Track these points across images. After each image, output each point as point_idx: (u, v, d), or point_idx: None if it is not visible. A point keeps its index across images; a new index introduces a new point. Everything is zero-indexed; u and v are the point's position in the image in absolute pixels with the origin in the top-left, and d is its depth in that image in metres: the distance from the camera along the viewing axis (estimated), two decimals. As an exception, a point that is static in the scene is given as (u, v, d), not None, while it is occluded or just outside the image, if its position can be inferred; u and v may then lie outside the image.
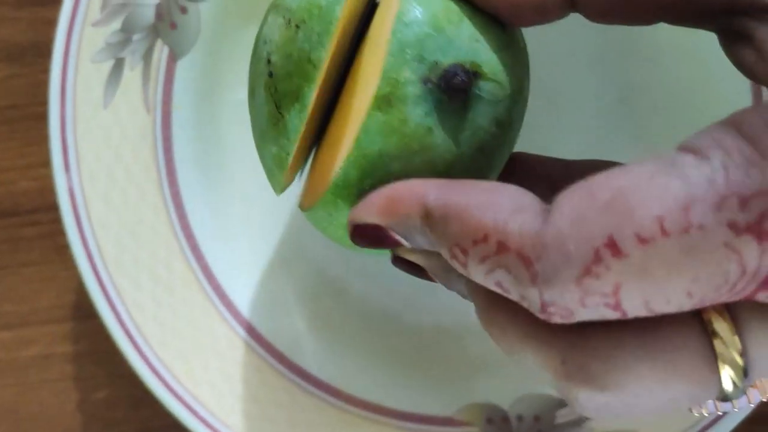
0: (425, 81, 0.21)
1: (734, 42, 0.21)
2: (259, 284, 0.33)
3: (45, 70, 0.35)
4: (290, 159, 0.23)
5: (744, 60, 0.20)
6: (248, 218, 0.34)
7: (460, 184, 0.20)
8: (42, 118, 0.35)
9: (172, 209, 0.32)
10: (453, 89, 0.21)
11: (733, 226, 0.16)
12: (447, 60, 0.22)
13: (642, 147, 0.33)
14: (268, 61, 0.23)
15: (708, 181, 0.17)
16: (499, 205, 0.19)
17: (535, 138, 0.33)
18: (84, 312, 0.36)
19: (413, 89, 0.21)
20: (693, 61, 0.33)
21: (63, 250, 0.35)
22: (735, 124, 0.17)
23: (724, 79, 0.32)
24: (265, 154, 0.25)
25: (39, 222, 0.36)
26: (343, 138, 0.23)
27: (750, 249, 0.16)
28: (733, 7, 0.20)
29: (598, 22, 0.22)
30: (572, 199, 0.18)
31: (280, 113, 0.23)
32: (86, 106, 0.30)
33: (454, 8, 0.22)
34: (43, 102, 0.35)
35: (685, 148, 0.18)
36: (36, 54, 0.35)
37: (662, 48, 0.33)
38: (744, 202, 0.16)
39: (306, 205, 0.25)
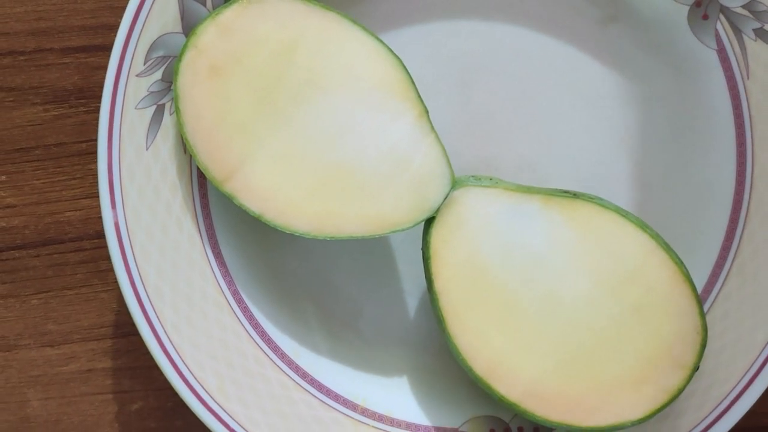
0: None
1: None
2: (282, 307, 0.36)
3: (88, 111, 0.38)
4: None
5: None
6: (275, 246, 0.37)
7: None
8: (86, 154, 0.38)
9: (206, 239, 0.35)
10: None
11: None
12: None
13: (633, 179, 0.36)
14: None
15: None
16: None
17: (536, 169, 0.36)
18: (123, 330, 0.38)
19: None
20: (686, 108, 0.36)
21: (104, 273, 0.38)
22: None
23: (714, 126, 0.35)
24: None
25: (82, 248, 0.38)
26: None
27: None
28: None
29: None
30: None
31: None
32: (130, 149, 0.33)
33: None
34: (87, 140, 0.38)
35: None
36: (80, 96, 0.38)
37: (658, 94, 0.36)
38: None
39: None
